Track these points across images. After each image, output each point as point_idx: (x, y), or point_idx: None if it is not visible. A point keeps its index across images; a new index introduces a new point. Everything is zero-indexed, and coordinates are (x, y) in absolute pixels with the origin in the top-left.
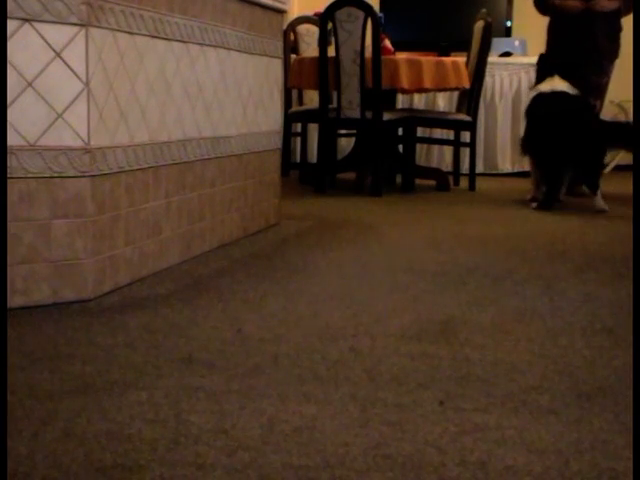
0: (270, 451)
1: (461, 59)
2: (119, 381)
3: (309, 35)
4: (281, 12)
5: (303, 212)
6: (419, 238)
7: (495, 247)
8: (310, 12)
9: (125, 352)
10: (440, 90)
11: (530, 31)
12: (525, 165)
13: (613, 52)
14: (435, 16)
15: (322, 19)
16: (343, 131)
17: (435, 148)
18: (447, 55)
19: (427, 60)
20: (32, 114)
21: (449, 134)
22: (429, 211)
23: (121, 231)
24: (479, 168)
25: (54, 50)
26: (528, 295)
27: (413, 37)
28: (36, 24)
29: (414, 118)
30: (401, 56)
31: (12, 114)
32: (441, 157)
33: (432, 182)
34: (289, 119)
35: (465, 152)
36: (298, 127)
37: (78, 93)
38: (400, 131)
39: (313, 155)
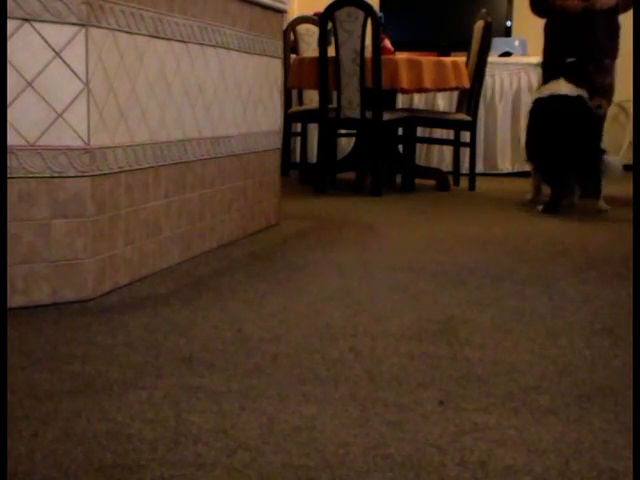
0: (270, 451)
1: (461, 59)
2: (119, 381)
3: (309, 35)
4: (281, 12)
5: (303, 212)
6: (419, 238)
7: (495, 247)
8: (310, 12)
9: (125, 352)
10: (440, 90)
11: (530, 31)
12: (525, 165)
13: (614, 50)
14: (435, 16)
15: (322, 19)
16: (343, 131)
17: (435, 148)
18: (447, 55)
19: (427, 60)
20: (32, 114)
21: (449, 134)
22: (429, 211)
23: (121, 231)
24: (479, 168)
25: (54, 50)
26: (528, 295)
27: (413, 37)
28: (36, 24)
29: (414, 118)
30: (401, 56)
31: (12, 114)
32: (441, 157)
33: (432, 182)
34: (289, 119)
35: (465, 152)
36: (298, 127)
37: (78, 93)
38: (400, 131)
39: (313, 155)
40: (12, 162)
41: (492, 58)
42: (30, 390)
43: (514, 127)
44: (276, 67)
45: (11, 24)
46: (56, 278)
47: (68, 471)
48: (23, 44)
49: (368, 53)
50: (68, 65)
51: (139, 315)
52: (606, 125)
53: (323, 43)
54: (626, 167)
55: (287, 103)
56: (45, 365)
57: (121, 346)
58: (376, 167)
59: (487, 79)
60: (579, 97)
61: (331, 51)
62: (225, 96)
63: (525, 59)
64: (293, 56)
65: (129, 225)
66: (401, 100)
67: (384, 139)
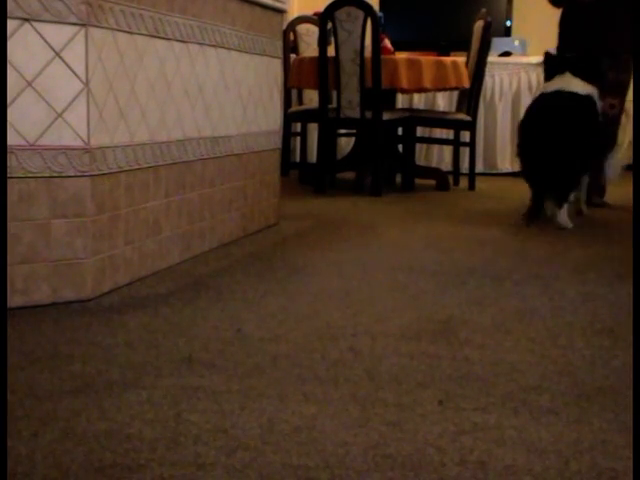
0: (270, 451)
1: (461, 59)
2: (119, 381)
3: (309, 35)
4: (281, 12)
5: (303, 212)
6: (419, 238)
7: (495, 247)
8: (310, 12)
9: (125, 352)
10: (440, 90)
11: (530, 31)
12: None
13: (630, 44)
14: (435, 16)
15: (322, 19)
16: (343, 131)
17: (435, 148)
18: (447, 55)
19: (427, 60)
20: (32, 114)
21: (449, 134)
22: (429, 211)
23: (121, 231)
24: (479, 168)
25: (54, 50)
26: (528, 295)
27: (413, 37)
28: (36, 24)
29: (414, 118)
30: (401, 56)
31: (12, 114)
32: (441, 157)
33: (432, 182)
34: (289, 119)
35: (465, 152)
36: (298, 127)
37: (78, 93)
38: (400, 131)
39: (313, 155)
40: (12, 162)
41: (492, 58)
42: (30, 390)
43: (514, 127)
44: (276, 67)
45: (11, 24)
46: (56, 278)
47: (68, 471)
48: (23, 44)
49: (368, 53)
50: (68, 65)
51: (139, 315)
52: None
53: (323, 43)
54: (626, 167)
55: (287, 103)
56: (45, 365)
57: (121, 346)
58: (376, 167)
59: (487, 79)
60: (588, 97)
61: (331, 51)
62: (225, 96)
63: (525, 59)
64: (293, 56)
65: (129, 225)
66: (401, 100)
67: (384, 139)
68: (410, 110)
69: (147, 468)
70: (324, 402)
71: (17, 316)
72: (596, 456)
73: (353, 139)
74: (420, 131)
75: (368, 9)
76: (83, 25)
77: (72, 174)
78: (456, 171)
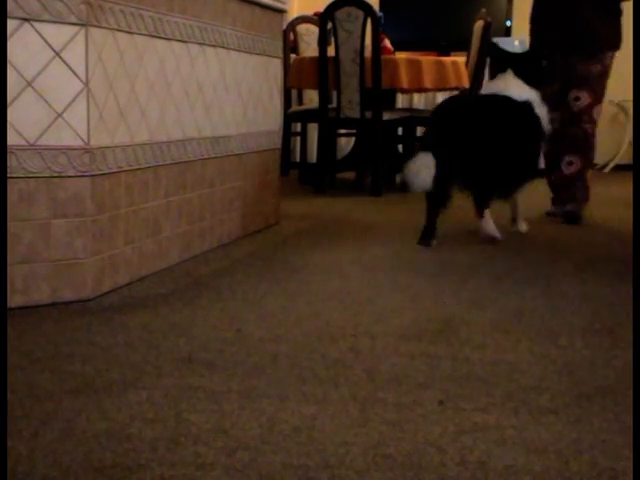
0: (270, 451)
1: (461, 59)
2: (119, 381)
3: (309, 35)
4: (281, 12)
5: (303, 212)
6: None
7: (495, 247)
8: (310, 12)
9: (125, 352)
10: (440, 90)
11: None
12: None
13: (611, 38)
14: (435, 16)
15: (322, 19)
16: (343, 131)
17: None
18: (447, 55)
19: (427, 60)
20: (32, 114)
21: None
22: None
23: (121, 231)
24: None
25: (54, 50)
26: (528, 295)
27: (413, 37)
28: (36, 24)
29: (414, 118)
30: (401, 56)
31: (12, 114)
32: None
33: None
34: (289, 119)
35: None
36: (298, 127)
37: (78, 93)
38: (400, 131)
39: (313, 155)
40: (12, 162)
41: None
42: (30, 390)
43: None
44: (276, 67)
45: (11, 24)
46: (56, 278)
47: (68, 471)
48: (23, 44)
49: (368, 53)
50: (68, 65)
51: (139, 315)
52: (606, 125)
53: (323, 43)
54: (626, 167)
55: (287, 103)
56: (45, 365)
57: (121, 346)
58: (376, 167)
59: (487, 79)
60: (525, 103)
61: (331, 51)
62: (225, 96)
63: None
64: (293, 56)
65: (129, 225)
66: (401, 100)
67: (384, 139)
68: (410, 110)
69: (147, 468)
70: (324, 402)
71: (17, 316)
72: (596, 456)
73: (353, 139)
74: (420, 131)
75: (368, 9)
76: (83, 25)
77: (72, 174)
78: None
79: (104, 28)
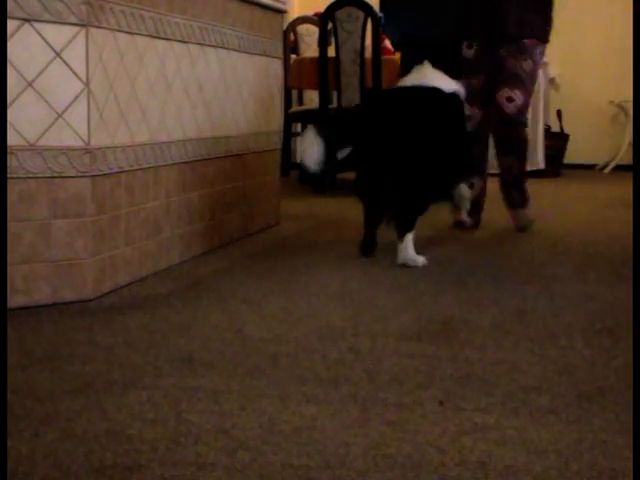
0: (270, 451)
1: None
2: (119, 381)
3: (309, 35)
4: (281, 12)
5: (303, 212)
6: (419, 238)
7: (495, 247)
8: (310, 12)
9: (125, 352)
10: None
11: None
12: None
13: (539, 29)
14: (435, 16)
15: (322, 19)
16: None
17: None
18: None
19: None
20: (32, 114)
21: None
22: (428, 211)
23: (121, 231)
24: None
25: (54, 50)
26: (528, 295)
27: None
28: (36, 24)
29: None
30: None
31: (12, 114)
32: None
33: None
34: (289, 119)
35: None
36: (298, 127)
37: (78, 93)
38: None
39: None
40: (12, 162)
41: None
42: (30, 390)
43: None
44: (276, 67)
45: (11, 24)
46: (56, 278)
47: (68, 471)
48: (23, 44)
49: (368, 53)
50: (68, 65)
51: (139, 315)
52: (606, 125)
53: (323, 43)
54: (626, 167)
55: (287, 103)
56: (45, 365)
57: (121, 346)
58: None
59: None
60: (453, 95)
61: (331, 51)
62: (225, 96)
63: None
64: (293, 56)
65: (129, 225)
66: None
67: None
68: None
69: (147, 468)
70: (324, 402)
71: (17, 316)
72: (596, 456)
73: None
74: None
75: (368, 9)
76: (83, 25)
77: (72, 174)
78: None
79: (104, 28)
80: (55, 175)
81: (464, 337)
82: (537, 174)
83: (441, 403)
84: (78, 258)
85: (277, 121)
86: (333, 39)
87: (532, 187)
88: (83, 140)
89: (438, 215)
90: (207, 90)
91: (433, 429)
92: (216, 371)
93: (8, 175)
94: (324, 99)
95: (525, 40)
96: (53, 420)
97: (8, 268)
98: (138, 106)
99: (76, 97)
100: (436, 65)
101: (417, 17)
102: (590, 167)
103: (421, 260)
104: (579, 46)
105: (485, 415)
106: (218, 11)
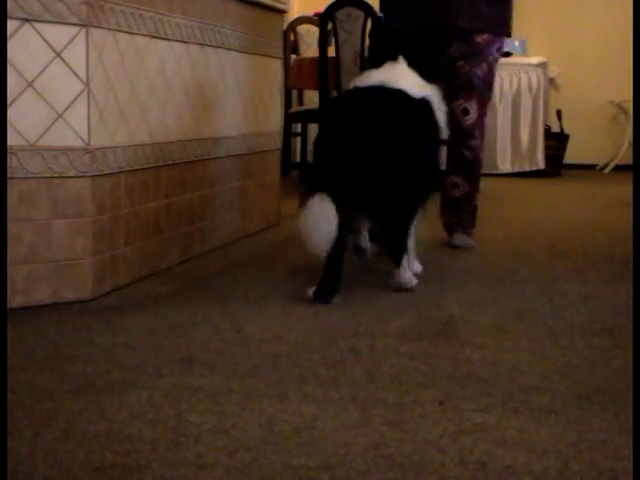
0: (270, 451)
1: None
2: (119, 381)
3: (309, 35)
4: (281, 12)
5: None
6: (418, 238)
7: (495, 247)
8: (310, 12)
9: (125, 352)
10: None
11: (530, 31)
12: (525, 165)
13: (492, 22)
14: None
15: (322, 19)
16: None
17: None
18: None
19: None
20: (32, 114)
21: None
22: (428, 211)
23: (121, 231)
24: None
25: (54, 50)
26: (528, 295)
27: None
28: (36, 24)
29: None
30: None
31: (12, 114)
32: (441, 157)
33: None
34: (289, 119)
35: None
36: (298, 127)
37: (78, 93)
38: None
39: None
40: (12, 162)
41: None
42: (31, 390)
43: (514, 127)
44: (276, 67)
45: (11, 24)
46: (56, 278)
47: (69, 471)
48: (23, 44)
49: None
50: (68, 65)
51: (139, 315)
52: (606, 125)
53: (323, 43)
54: (626, 167)
55: (287, 103)
56: (45, 365)
57: (121, 346)
58: None
59: None
60: (423, 101)
61: (331, 51)
62: (225, 96)
63: (525, 59)
64: (293, 56)
65: (129, 225)
66: None
67: None
68: None
69: (148, 468)
70: (324, 402)
71: (18, 316)
72: (596, 456)
73: None
74: None
75: (368, 9)
76: (83, 25)
77: (73, 174)
78: None
79: (104, 28)
80: (55, 175)
81: (464, 337)
82: (537, 174)
83: (441, 403)
84: (78, 258)
85: (277, 121)
86: (333, 39)
87: (532, 187)
88: (83, 140)
89: (436, 215)
90: (207, 90)
91: (433, 429)
92: (216, 371)
93: (8, 175)
94: (324, 99)
95: (477, 38)
96: (53, 420)
97: (8, 268)
98: (138, 106)
99: (76, 97)
100: (412, 63)
101: (404, 9)
102: (590, 167)
103: (415, 281)
104: (579, 46)
105: (485, 415)
106: (218, 11)
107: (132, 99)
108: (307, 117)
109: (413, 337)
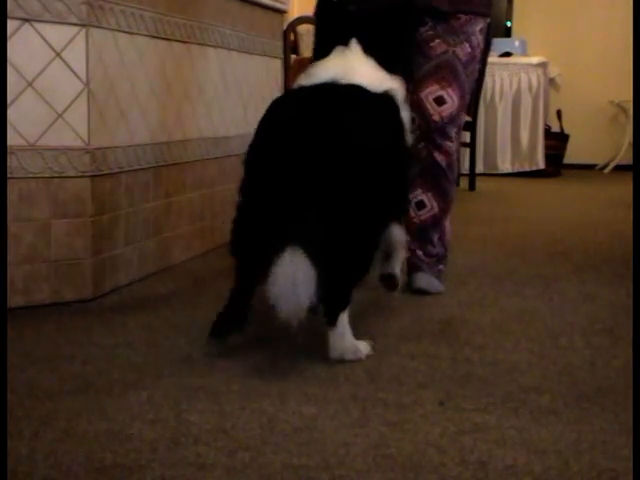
0: (270, 451)
1: None
2: (119, 381)
3: (309, 35)
4: (281, 12)
5: None
6: None
7: (495, 247)
8: (310, 12)
9: (125, 352)
10: None
11: (530, 31)
12: (525, 165)
13: (480, 4)
14: None
15: None
16: None
17: None
18: None
19: None
20: (32, 114)
21: None
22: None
23: (121, 231)
24: (479, 168)
25: (54, 50)
26: (528, 295)
27: None
28: (36, 24)
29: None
30: None
31: (12, 114)
32: None
33: None
34: None
35: (465, 152)
36: None
37: (78, 93)
38: None
39: None
40: (12, 162)
41: (492, 58)
42: (30, 390)
43: (514, 127)
44: (276, 67)
45: (11, 24)
46: (56, 278)
47: (69, 471)
48: (23, 44)
49: None
50: (68, 65)
51: (139, 315)
52: (606, 125)
53: None
54: (626, 167)
55: None
56: (45, 365)
57: (121, 346)
58: None
59: (487, 79)
60: (386, 97)
61: None
62: (225, 96)
63: (525, 59)
64: (293, 56)
65: (129, 225)
66: None
67: None
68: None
69: (148, 468)
70: (324, 402)
71: (17, 316)
72: (596, 456)
73: None
74: None
75: None
76: (83, 25)
77: (72, 174)
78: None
79: (104, 28)
80: (55, 175)
81: (464, 337)
82: (537, 174)
83: (441, 403)
84: (78, 258)
85: None
86: None
87: (532, 187)
88: (83, 140)
89: None
90: (207, 90)
91: (433, 429)
92: (216, 371)
93: (8, 175)
94: None
95: (458, 15)
96: (53, 420)
97: (8, 268)
98: (138, 106)
99: (76, 97)
100: (368, 48)
101: None
102: (590, 167)
103: (365, 348)
104: (579, 46)
105: (485, 415)
106: (218, 11)
107: (132, 99)
108: None
109: (413, 337)
